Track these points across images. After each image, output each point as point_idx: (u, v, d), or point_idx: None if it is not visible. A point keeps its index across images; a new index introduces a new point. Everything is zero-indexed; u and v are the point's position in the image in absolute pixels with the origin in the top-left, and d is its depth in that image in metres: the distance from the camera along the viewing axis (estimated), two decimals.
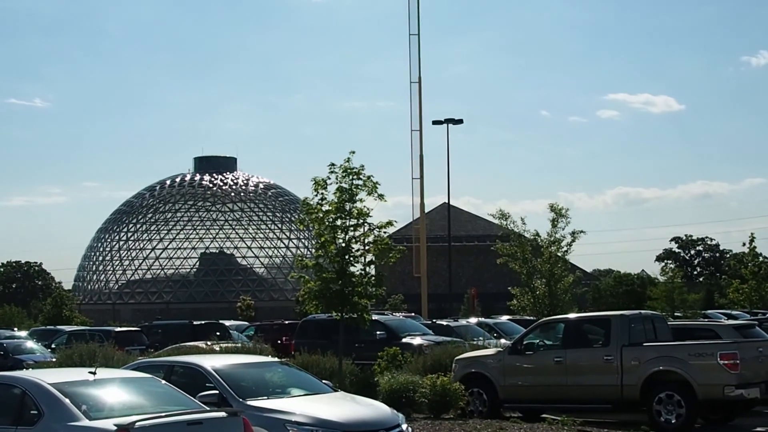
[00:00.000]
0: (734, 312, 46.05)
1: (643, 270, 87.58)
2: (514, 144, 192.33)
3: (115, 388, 10.54)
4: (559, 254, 36.55)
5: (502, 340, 27.86)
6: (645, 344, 17.65)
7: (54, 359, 28.27)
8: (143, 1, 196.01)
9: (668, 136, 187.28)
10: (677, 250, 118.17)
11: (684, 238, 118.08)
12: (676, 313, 45.91)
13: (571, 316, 21.96)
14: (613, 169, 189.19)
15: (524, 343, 19.26)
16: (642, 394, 17.19)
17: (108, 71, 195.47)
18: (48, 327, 51.29)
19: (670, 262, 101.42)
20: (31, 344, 35.85)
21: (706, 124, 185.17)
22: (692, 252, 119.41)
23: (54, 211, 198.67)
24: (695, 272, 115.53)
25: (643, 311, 21.01)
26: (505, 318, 38.54)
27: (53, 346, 36.32)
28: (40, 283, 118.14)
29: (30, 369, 19.77)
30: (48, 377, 10.35)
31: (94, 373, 10.53)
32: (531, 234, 37.57)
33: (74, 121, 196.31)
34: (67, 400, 9.74)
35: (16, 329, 52.57)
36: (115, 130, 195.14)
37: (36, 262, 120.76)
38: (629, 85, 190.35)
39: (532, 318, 34.44)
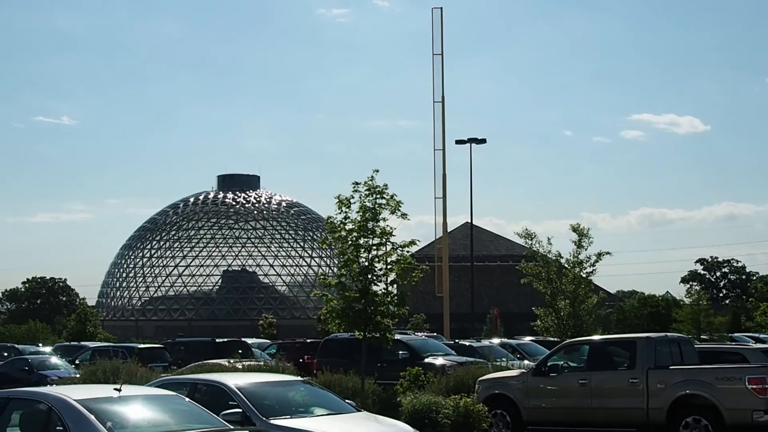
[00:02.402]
0: (762, 335, 45.60)
1: (667, 292, 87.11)
2: (537, 164, 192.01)
3: (139, 406, 10.55)
4: (583, 275, 36.39)
5: (526, 362, 27.74)
6: (671, 367, 17.49)
7: (78, 375, 28.33)
8: (167, 19, 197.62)
9: (693, 157, 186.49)
10: (702, 272, 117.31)
11: (709, 259, 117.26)
12: (702, 336, 45.51)
13: (596, 337, 21.85)
14: (637, 190, 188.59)
15: (548, 364, 19.14)
16: (668, 418, 17.01)
17: (133, 89, 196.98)
18: (72, 343, 51.36)
19: (695, 284, 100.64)
20: (55, 360, 35.92)
21: (732, 145, 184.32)
22: (718, 274, 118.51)
23: (79, 227, 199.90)
24: (721, 294, 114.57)
25: (669, 334, 20.88)
26: (528, 339, 38.33)
27: (77, 362, 36.39)
28: (64, 299, 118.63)
29: (54, 385, 19.85)
30: (74, 394, 10.39)
31: (120, 390, 10.54)
32: (553, 255, 37.41)
33: (100, 139, 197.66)
34: (92, 417, 9.77)
35: (40, 344, 52.76)
36: (139, 148, 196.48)
37: (60, 278, 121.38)
38: (654, 106, 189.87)
39: (555, 339, 34.27)
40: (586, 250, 36.55)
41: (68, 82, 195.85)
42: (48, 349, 45.99)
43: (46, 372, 32.38)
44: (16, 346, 48.88)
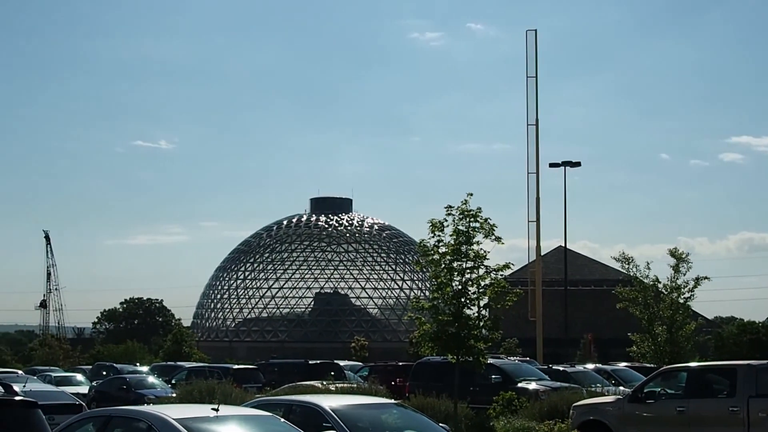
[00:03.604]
0: None
1: None
2: (633, 187, 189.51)
3: (236, 426, 10.61)
4: (681, 301, 35.64)
5: (621, 388, 27.31)
6: None
7: (174, 395, 28.83)
8: (263, 46, 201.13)
9: None
10: None
11: None
12: None
13: (694, 364, 21.37)
14: (737, 214, 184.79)
15: (645, 391, 18.80)
16: None
17: (229, 115, 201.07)
18: (168, 363, 52.36)
19: None
20: (152, 379, 36.62)
21: None
22: None
23: (175, 249, 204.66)
24: None
25: None
26: (623, 365, 37.69)
27: (173, 381, 37.05)
28: (160, 319, 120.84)
29: (151, 404, 20.22)
30: (172, 413, 10.53)
31: (217, 410, 10.64)
32: (650, 279, 36.73)
33: (197, 163, 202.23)
34: None
35: (138, 364, 53.91)
36: (235, 172, 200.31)
37: (157, 299, 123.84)
38: (754, 128, 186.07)
39: (651, 365, 33.61)
40: (684, 275, 35.81)
41: (166, 108, 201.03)
42: (145, 368, 46.96)
43: (143, 391, 33.02)
44: (114, 365, 50.10)
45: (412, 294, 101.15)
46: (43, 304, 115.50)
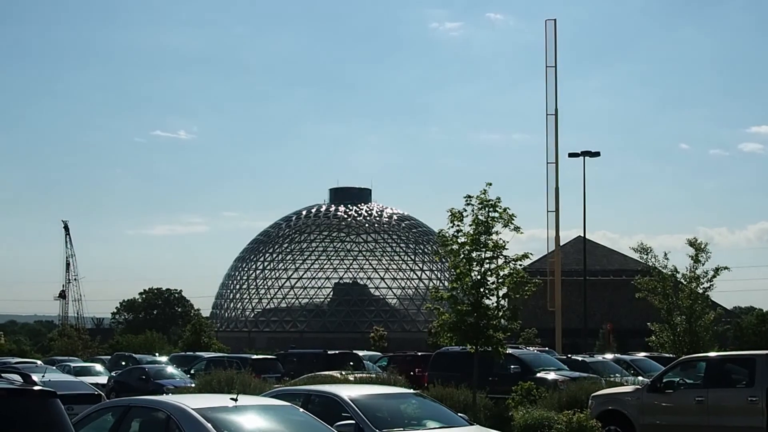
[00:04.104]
0: None
1: None
2: (653, 177, 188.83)
3: (255, 416, 10.68)
4: (700, 291, 35.47)
5: (640, 378, 27.28)
6: None
7: (193, 385, 28.94)
8: (282, 36, 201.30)
9: None
10: None
11: None
12: None
13: (713, 354, 21.31)
14: (756, 204, 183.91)
15: (664, 381, 18.80)
16: None
17: (249, 105, 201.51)
18: (187, 353, 52.58)
19: None
20: (171, 369, 36.76)
21: None
22: None
23: (195, 239, 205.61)
24: None
25: None
26: (642, 355, 37.60)
27: (192, 371, 37.19)
28: (179, 309, 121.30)
29: (170, 394, 20.32)
30: (191, 402, 10.59)
31: (236, 400, 10.69)
32: (669, 270, 36.56)
33: (216, 153, 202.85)
34: (209, 425, 9.96)
35: (157, 354, 54.17)
36: (254, 162, 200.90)
37: (176, 290, 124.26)
38: None
39: (670, 355, 33.53)
40: (703, 265, 35.61)
41: (185, 98, 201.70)
42: (164, 358, 47.17)
43: (162, 381, 33.17)
44: (133, 355, 50.38)
45: (431, 284, 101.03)
46: (63, 295, 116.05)
